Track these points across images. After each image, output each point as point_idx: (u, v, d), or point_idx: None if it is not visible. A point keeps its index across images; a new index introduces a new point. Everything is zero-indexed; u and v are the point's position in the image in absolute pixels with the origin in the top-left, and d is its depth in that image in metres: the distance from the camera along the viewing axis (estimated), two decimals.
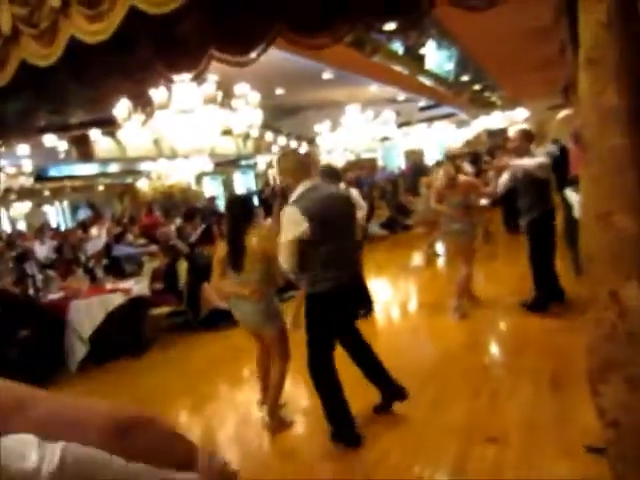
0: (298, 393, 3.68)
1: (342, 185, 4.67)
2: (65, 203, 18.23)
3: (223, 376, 4.48)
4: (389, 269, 8.15)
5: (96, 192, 17.85)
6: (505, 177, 4.94)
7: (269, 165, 18.93)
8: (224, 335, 5.34)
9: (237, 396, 4.11)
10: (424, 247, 8.05)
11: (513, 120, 16.51)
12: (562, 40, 4.12)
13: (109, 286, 5.33)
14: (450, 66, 9.28)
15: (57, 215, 17.94)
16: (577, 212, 4.89)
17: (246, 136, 12.50)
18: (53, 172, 13.61)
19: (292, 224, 2.65)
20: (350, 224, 2.89)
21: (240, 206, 3.18)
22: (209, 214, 9.64)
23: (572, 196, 5.62)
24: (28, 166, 10.40)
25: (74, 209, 18.18)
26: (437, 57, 8.67)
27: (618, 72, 1.28)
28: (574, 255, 5.80)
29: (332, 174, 4.30)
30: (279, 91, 12.47)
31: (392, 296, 6.71)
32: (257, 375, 3.42)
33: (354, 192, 5.05)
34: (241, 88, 6.79)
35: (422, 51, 7.89)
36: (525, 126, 14.50)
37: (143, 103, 6.06)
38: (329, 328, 2.84)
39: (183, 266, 5.71)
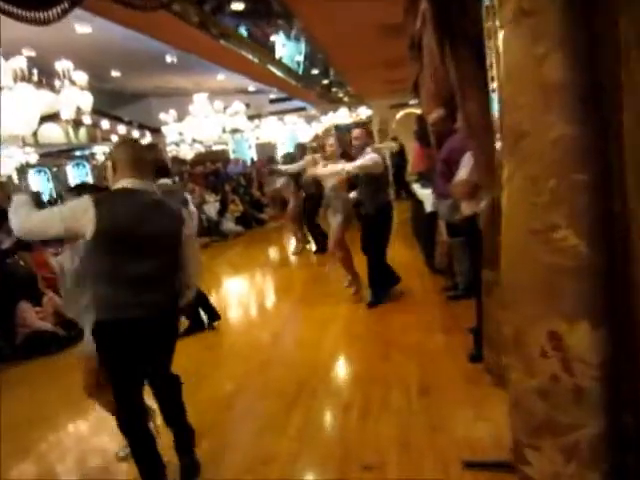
0: None
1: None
2: None
3: (55, 415, 3.61)
4: (246, 267, 7.76)
5: None
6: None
7: (108, 157, 17.09)
8: (50, 362, 4.44)
9: (80, 433, 3.35)
10: (297, 234, 7.82)
11: (359, 117, 17.22)
12: (412, 35, 4.03)
13: None
14: (300, 58, 9.16)
15: None
16: (428, 207, 5.05)
17: (77, 123, 11.04)
18: None
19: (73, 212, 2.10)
20: (168, 242, 2.31)
21: None
22: None
23: (420, 192, 5.83)
24: None
25: None
26: (287, 48, 8.48)
27: (563, 33, 0.86)
28: (423, 248, 6.05)
29: (160, 171, 3.79)
30: (115, 73, 11.21)
31: (250, 299, 6.32)
32: None
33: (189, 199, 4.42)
34: (62, 65, 5.74)
35: (272, 38, 7.61)
36: (365, 124, 15.22)
37: None
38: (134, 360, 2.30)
39: None
